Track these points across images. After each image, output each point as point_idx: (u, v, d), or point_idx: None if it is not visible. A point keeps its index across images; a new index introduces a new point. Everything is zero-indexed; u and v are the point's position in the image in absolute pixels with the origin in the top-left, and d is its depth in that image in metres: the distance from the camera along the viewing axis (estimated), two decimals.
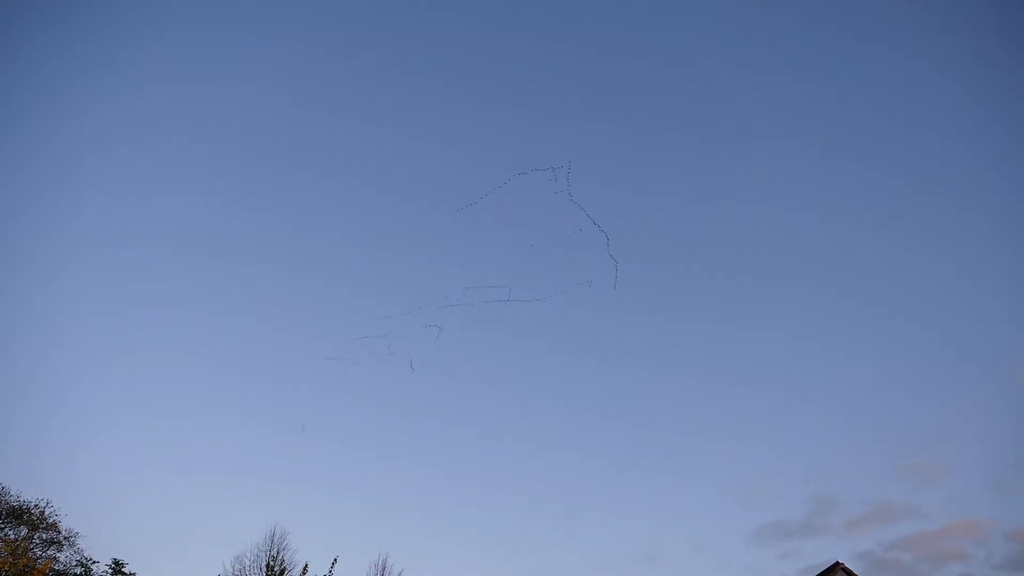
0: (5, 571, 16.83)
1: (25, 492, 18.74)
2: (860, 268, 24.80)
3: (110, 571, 20.01)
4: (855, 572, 15.47)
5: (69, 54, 23.52)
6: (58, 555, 18.86)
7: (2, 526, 17.92)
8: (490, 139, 25.61)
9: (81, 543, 19.32)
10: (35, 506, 18.82)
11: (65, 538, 19.14)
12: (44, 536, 18.67)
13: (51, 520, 18.92)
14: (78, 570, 19.15)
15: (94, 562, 19.72)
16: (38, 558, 18.18)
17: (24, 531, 18.21)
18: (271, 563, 16.53)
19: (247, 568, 16.57)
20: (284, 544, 17.35)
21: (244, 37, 25.97)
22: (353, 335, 22.48)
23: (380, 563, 17.77)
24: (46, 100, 23.48)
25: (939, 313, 23.00)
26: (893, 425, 21.80)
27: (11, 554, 17.13)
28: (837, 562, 15.62)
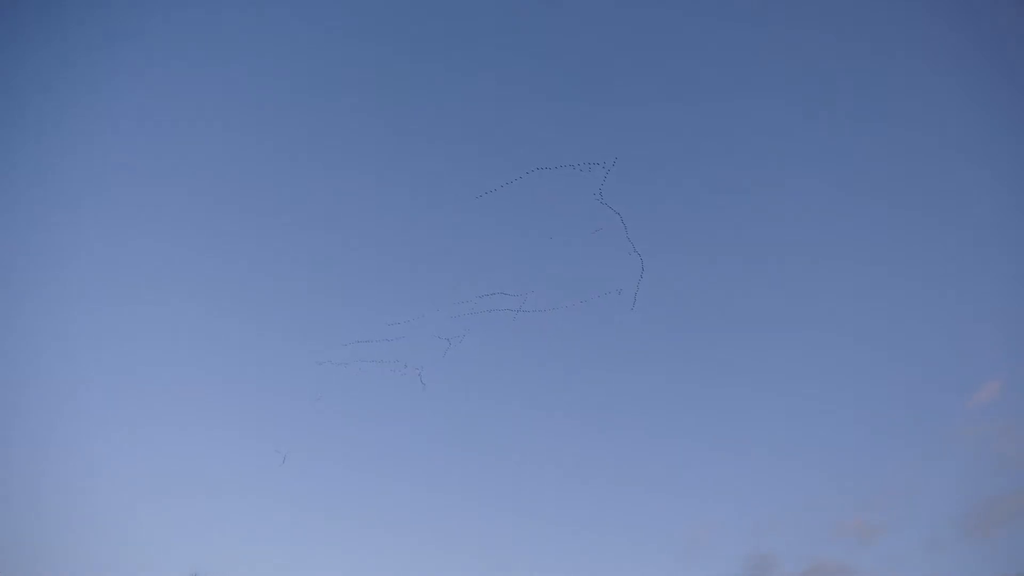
0: None
1: None
2: (801, 320, 23.54)
3: None
4: None
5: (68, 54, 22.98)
6: None
7: None
8: (516, 131, 24.28)
9: None
10: None
11: None
12: None
13: None
14: None
15: None
16: None
17: None
18: None
19: None
20: None
21: (242, 30, 25.14)
22: (350, 342, 21.45)
23: None
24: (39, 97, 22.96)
25: (885, 370, 21.87)
26: (834, 481, 20.84)
27: None
28: None
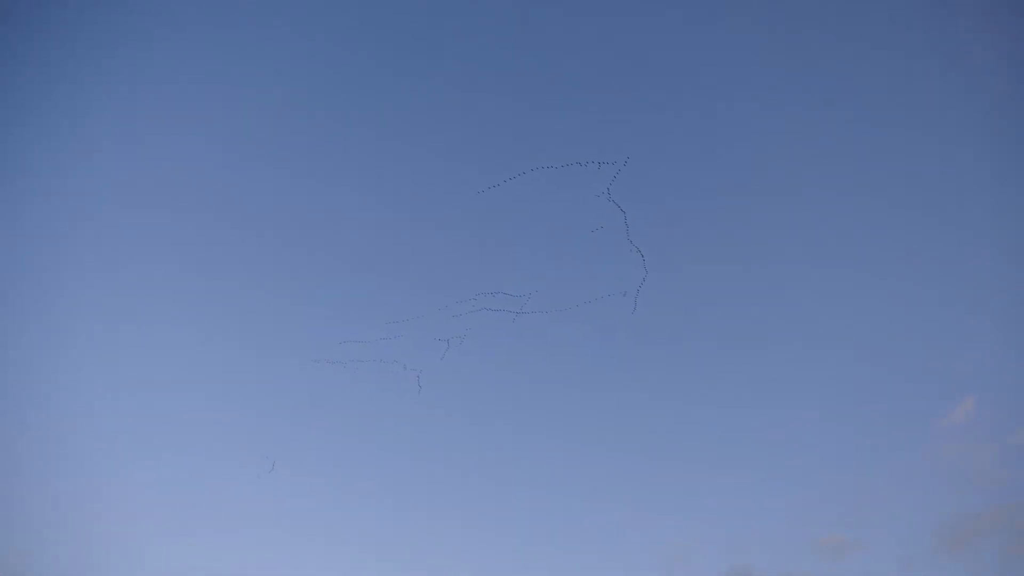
0: None
1: None
2: (780, 336, 24.08)
3: None
4: None
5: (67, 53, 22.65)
6: None
7: None
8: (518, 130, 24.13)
9: None
10: None
11: None
12: None
13: None
14: None
15: None
16: None
17: None
18: None
19: None
20: None
21: (239, 33, 25.12)
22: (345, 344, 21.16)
23: None
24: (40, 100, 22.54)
25: (863, 386, 22.55)
26: (812, 496, 21.33)
27: None
28: None
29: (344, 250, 24.89)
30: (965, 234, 21.89)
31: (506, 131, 24.94)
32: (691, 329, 23.51)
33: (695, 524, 20.86)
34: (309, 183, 25.06)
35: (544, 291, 18.67)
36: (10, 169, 21.20)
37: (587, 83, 25.08)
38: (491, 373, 23.05)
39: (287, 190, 24.76)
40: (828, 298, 22.98)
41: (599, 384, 23.40)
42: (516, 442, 22.91)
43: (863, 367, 22.08)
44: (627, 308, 17.96)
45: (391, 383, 20.62)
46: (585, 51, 25.27)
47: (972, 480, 18.44)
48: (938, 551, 17.75)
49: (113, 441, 20.47)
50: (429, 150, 25.29)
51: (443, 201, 24.26)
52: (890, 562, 18.20)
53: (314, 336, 22.22)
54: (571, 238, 20.97)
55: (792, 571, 18.75)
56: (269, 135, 24.61)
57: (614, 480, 21.73)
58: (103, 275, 22.85)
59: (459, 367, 20.47)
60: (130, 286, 22.91)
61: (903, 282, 22.54)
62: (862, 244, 23.09)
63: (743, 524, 20.49)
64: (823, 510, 20.00)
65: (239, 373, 22.98)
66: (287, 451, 20.70)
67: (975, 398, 19.15)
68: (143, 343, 22.54)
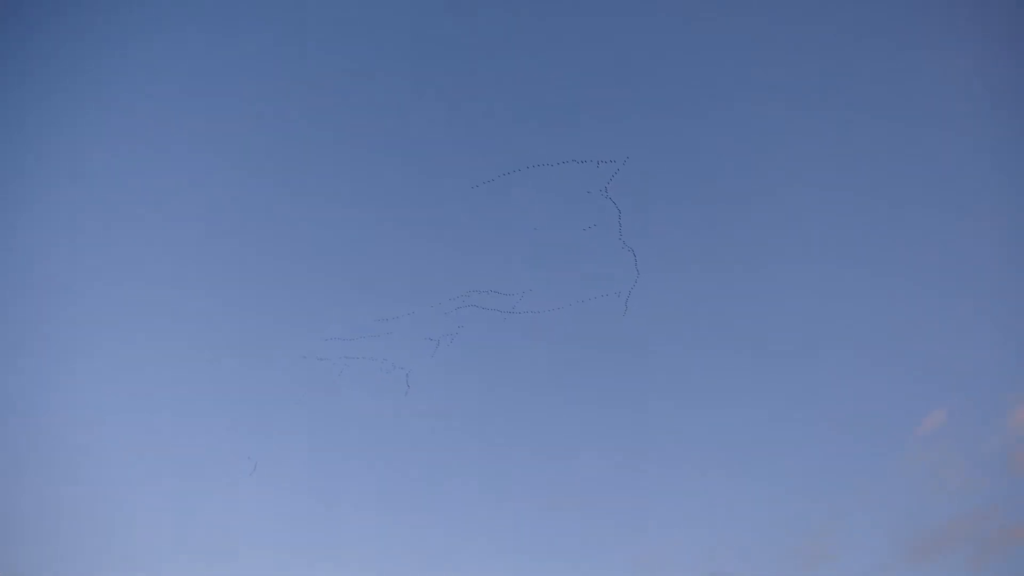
0: None
1: None
2: (757, 343, 24.12)
3: None
4: None
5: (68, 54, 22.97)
6: None
7: None
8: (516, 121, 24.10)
9: None
10: None
11: None
12: None
13: None
14: None
15: None
16: None
17: None
18: None
19: None
20: None
21: (234, 25, 25.43)
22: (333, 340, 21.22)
23: None
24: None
25: (836, 397, 22.79)
26: (786, 506, 21.56)
27: None
28: None
29: (334, 246, 25.05)
30: (941, 247, 22.34)
31: (502, 127, 25.20)
32: (672, 333, 23.74)
33: (670, 531, 21.02)
34: (300, 178, 25.25)
35: (537, 290, 18.90)
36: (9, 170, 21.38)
37: (585, 81, 25.38)
38: (476, 373, 23.20)
39: (278, 187, 24.95)
40: (807, 306, 23.24)
41: (576, 386, 23.50)
42: (494, 445, 22.98)
43: (837, 377, 22.36)
44: (618, 309, 18.26)
45: (379, 381, 20.71)
46: (584, 49, 25.65)
47: (943, 490, 18.84)
48: (909, 560, 18.09)
49: (101, 441, 20.41)
50: (423, 145, 25.49)
51: (436, 197, 24.46)
52: (862, 570, 18.48)
53: (302, 333, 22.32)
54: (566, 237, 21.24)
55: None
56: (258, 133, 24.83)
57: (590, 484, 21.84)
58: (89, 274, 22.85)
59: (447, 366, 20.64)
60: (115, 282, 22.92)
61: (879, 291, 22.88)
62: (840, 254, 23.45)
63: (718, 531, 20.67)
64: (797, 518, 20.26)
65: (227, 369, 22.98)
66: (274, 450, 20.73)
67: (946, 410, 19.59)
68: (131, 337, 22.52)
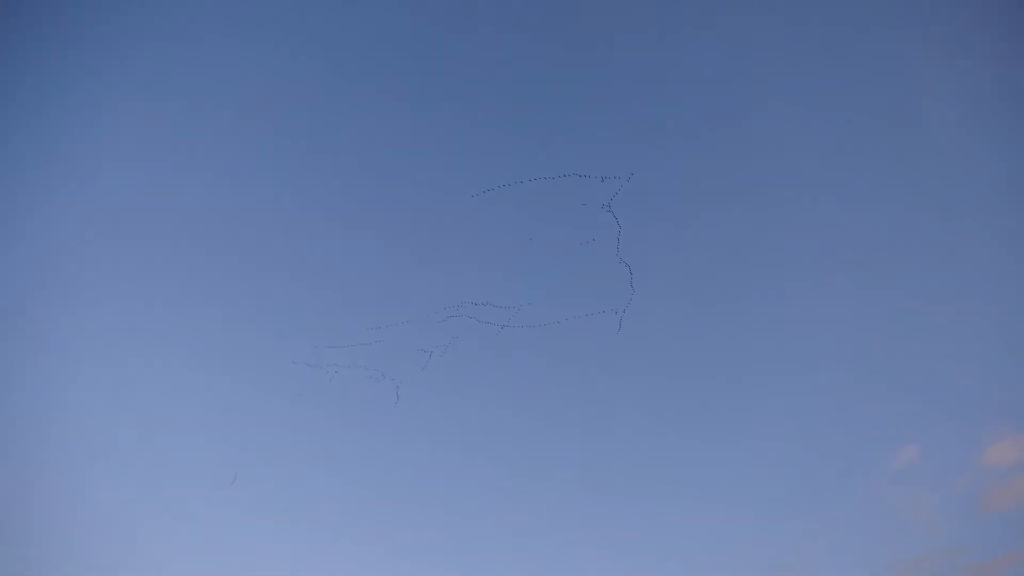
0: None
1: None
2: (747, 368, 24.32)
3: None
4: None
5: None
6: None
7: None
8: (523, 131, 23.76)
9: None
10: None
11: None
12: None
13: None
14: None
15: None
16: None
17: None
18: None
19: None
20: None
21: (236, 25, 25.02)
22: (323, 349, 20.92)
23: None
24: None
25: (812, 426, 23.09)
26: (758, 534, 21.79)
27: None
28: None
29: (330, 255, 24.62)
30: (921, 286, 22.82)
31: (507, 138, 25.08)
32: (657, 355, 23.74)
33: (643, 554, 20.95)
34: (298, 187, 24.83)
35: (533, 304, 18.85)
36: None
37: (589, 95, 25.24)
38: (467, 385, 22.97)
39: (277, 192, 24.47)
40: (790, 335, 23.60)
41: (554, 404, 23.27)
42: (478, 457, 22.71)
43: (814, 405, 22.58)
44: (613, 326, 18.28)
45: (369, 392, 20.38)
46: (587, 62, 25.56)
47: (914, 523, 19.20)
48: None
49: (91, 440, 19.77)
50: (421, 153, 25.25)
51: (433, 206, 24.21)
52: None
53: (298, 340, 21.87)
54: (563, 251, 21.18)
55: None
56: (257, 138, 24.38)
57: (558, 511, 21.63)
58: (90, 282, 22.13)
59: (439, 378, 20.40)
60: (111, 284, 22.23)
61: (861, 324, 23.21)
62: (826, 288, 23.80)
63: (690, 554, 20.64)
64: (765, 550, 20.38)
65: (223, 375, 22.39)
66: (272, 452, 20.25)
67: (919, 446, 20.04)
68: (131, 342, 21.88)
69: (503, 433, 23.36)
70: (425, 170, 24.55)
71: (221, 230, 24.26)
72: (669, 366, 23.88)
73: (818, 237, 24.41)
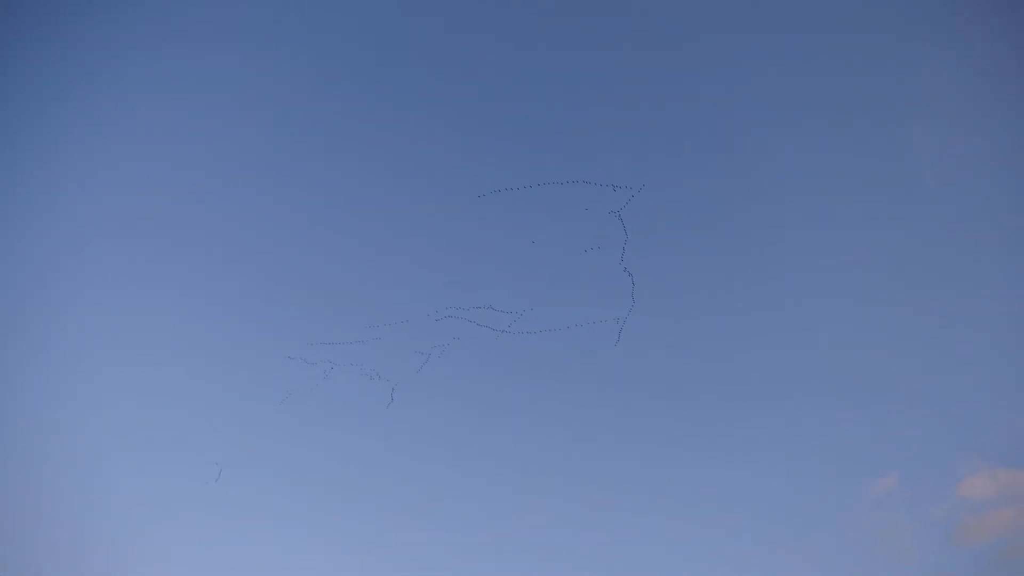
0: None
1: None
2: (733, 392, 24.17)
3: None
4: None
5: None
6: None
7: None
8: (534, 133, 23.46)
9: None
10: None
11: None
12: None
13: None
14: None
15: None
16: None
17: None
18: None
19: None
20: None
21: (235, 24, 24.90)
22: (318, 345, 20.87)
23: None
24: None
25: (800, 445, 22.99)
26: (734, 562, 21.67)
27: None
28: None
29: (331, 253, 24.53)
30: (905, 311, 22.80)
31: (520, 138, 24.68)
32: (648, 374, 23.53)
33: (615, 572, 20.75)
34: (302, 185, 24.71)
35: (536, 311, 18.67)
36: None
37: (602, 101, 24.69)
38: (463, 390, 22.93)
39: (285, 194, 24.28)
40: (776, 362, 23.45)
41: (548, 418, 23.02)
42: (463, 469, 22.56)
43: (797, 430, 22.40)
44: (611, 337, 18.20)
45: (362, 393, 20.30)
46: (613, 72, 25.04)
47: (890, 553, 19.20)
48: None
49: (97, 443, 19.86)
50: (427, 153, 24.99)
51: (435, 209, 24.02)
52: None
53: (295, 338, 21.80)
54: (569, 258, 20.94)
55: None
56: (262, 139, 24.21)
57: (537, 527, 21.35)
58: (91, 279, 22.11)
59: (433, 380, 20.33)
60: (110, 282, 22.23)
61: (847, 352, 23.06)
62: (820, 313, 23.61)
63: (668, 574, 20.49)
64: (741, 567, 20.21)
65: (221, 372, 22.37)
66: (269, 450, 20.25)
67: (897, 475, 19.94)
68: (130, 339, 21.89)
69: (494, 438, 23.45)
70: (433, 172, 24.34)
71: (226, 229, 24.25)
72: (657, 384, 23.77)
73: (809, 263, 24.37)
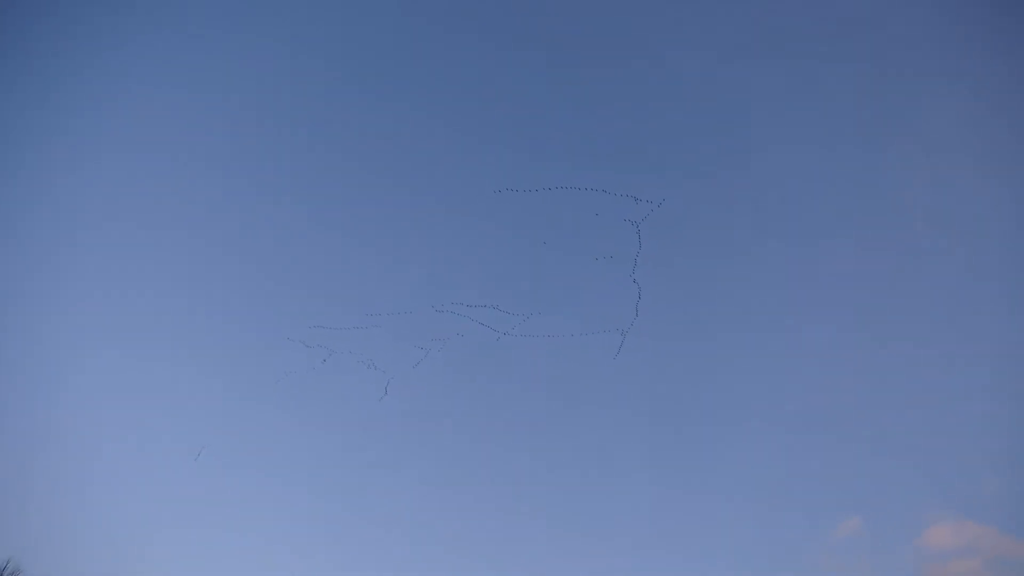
0: None
1: None
2: (715, 423, 23.99)
3: None
4: None
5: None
6: None
7: None
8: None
9: None
10: None
11: None
12: None
13: None
14: None
15: None
16: None
17: None
18: None
19: None
20: None
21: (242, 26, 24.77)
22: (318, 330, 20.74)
23: None
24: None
25: (769, 483, 22.77)
26: None
27: None
28: None
29: (337, 248, 24.37)
30: (873, 357, 22.61)
31: (546, 139, 24.42)
32: (638, 398, 23.28)
33: None
34: (333, 170, 24.40)
35: (538, 315, 18.70)
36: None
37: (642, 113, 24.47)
38: (458, 388, 22.67)
39: (313, 180, 24.06)
40: (761, 395, 23.21)
41: (535, 430, 22.60)
42: (457, 463, 22.26)
43: (768, 468, 22.11)
44: (612, 348, 17.95)
45: (358, 382, 20.18)
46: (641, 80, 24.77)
47: None
48: None
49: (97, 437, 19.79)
50: (441, 151, 24.72)
51: (455, 202, 23.64)
52: None
53: (298, 320, 21.53)
54: (582, 266, 20.73)
55: None
56: (268, 135, 24.14)
57: (511, 553, 21.02)
58: (93, 273, 21.99)
59: (429, 375, 20.12)
60: (110, 280, 22.15)
61: (829, 390, 22.93)
62: (809, 348, 23.30)
63: None
64: None
65: (221, 364, 22.19)
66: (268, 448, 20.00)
67: (861, 518, 19.79)
68: (131, 333, 21.77)
69: (490, 435, 23.24)
70: (451, 171, 24.09)
71: (231, 227, 24.17)
72: (646, 402, 23.46)
73: (793, 299, 24.08)
